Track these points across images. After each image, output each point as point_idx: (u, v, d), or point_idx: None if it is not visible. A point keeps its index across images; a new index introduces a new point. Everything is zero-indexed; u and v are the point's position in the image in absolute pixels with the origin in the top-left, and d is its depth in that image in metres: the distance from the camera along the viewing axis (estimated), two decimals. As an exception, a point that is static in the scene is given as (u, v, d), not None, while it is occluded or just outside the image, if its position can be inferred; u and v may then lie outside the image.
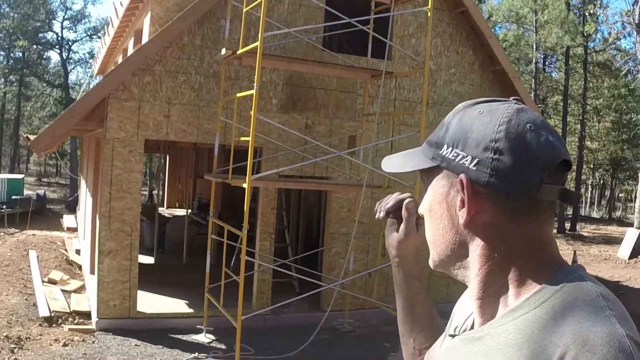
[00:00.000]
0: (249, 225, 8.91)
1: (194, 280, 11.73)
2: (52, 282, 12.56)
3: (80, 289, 12.56)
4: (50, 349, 9.10)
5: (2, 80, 47.69)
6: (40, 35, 46.64)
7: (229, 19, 10.03)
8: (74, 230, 21.32)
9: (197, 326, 10.28)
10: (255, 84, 8.50)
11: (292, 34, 10.27)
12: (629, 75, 37.41)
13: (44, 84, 48.82)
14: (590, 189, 54.80)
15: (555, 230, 30.01)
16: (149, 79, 10.36)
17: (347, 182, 11.14)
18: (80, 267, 14.94)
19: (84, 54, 65.34)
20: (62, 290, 12.06)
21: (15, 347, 8.89)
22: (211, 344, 9.94)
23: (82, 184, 19.71)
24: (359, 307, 11.53)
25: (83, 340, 9.61)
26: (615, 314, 1.12)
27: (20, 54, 46.12)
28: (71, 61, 49.49)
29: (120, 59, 17.50)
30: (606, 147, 39.93)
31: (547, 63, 41.59)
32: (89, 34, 48.38)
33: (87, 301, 11.51)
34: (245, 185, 8.62)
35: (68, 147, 41.79)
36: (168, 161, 23.77)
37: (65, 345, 9.31)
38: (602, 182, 54.45)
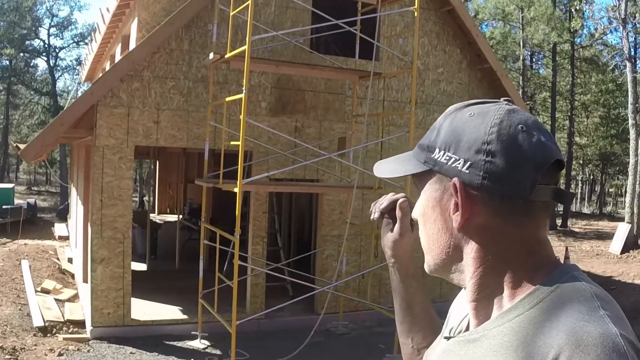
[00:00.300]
0: (241, 229, 8.90)
1: (187, 286, 11.71)
2: (46, 291, 12.51)
3: (74, 298, 12.52)
4: (46, 359, 9.07)
5: (-11, 89, 47.57)
6: (27, 42, 46.46)
7: (216, 23, 10.02)
8: (66, 238, 21.24)
9: (192, 332, 10.28)
10: (244, 88, 8.50)
11: (279, 37, 10.26)
12: (616, 70, 37.56)
13: (32, 92, 48.63)
14: (580, 184, 55.01)
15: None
16: (137, 85, 10.34)
17: (337, 184, 11.15)
18: (73, 276, 14.89)
19: (71, 60, 65.22)
20: (56, 300, 12.01)
21: (10, 358, 8.86)
22: (206, 350, 9.93)
23: (73, 192, 19.65)
24: (353, 309, 11.54)
25: (78, 349, 9.58)
26: (609, 313, 1.12)
27: (7, 62, 45.90)
28: (58, 68, 49.36)
29: (108, 65, 17.47)
30: (595, 143, 40.08)
31: (534, 60, 41.73)
32: (76, 40, 48.27)
33: (81, 310, 11.47)
34: (236, 190, 8.61)
35: (57, 154, 41.61)
36: (158, 167, 23.70)
37: (60, 354, 9.28)
38: (592, 177, 54.64)
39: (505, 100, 1.30)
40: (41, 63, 60.21)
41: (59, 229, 23.54)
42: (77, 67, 45.97)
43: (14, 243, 19.52)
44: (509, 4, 34.30)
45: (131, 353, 9.55)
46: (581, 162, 44.93)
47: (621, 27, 26.60)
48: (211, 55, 9.54)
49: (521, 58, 35.89)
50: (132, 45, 11.26)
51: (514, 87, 14.48)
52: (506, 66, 35.74)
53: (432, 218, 1.32)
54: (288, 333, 10.56)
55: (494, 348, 1.18)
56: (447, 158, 1.26)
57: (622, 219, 27.85)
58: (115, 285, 10.32)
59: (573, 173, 42.67)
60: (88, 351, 9.57)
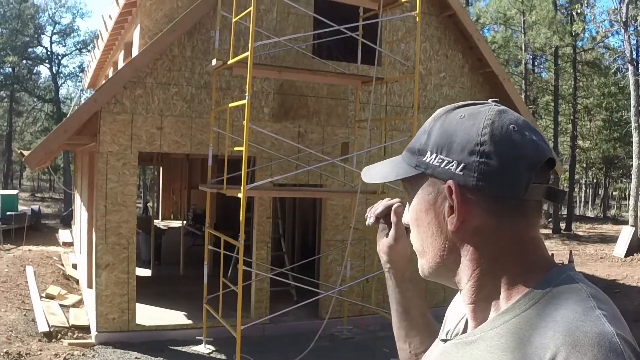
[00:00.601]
0: (245, 234, 8.93)
1: (192, 292, 11.74)
2: (50, 297, 12.55)
3: (79, 304, 12.56)
4: (50, 365, 9.12)
5: (-7, 96, 47.68)
6: (30, 50, 46.61)
7: (218, 30, 10.08)
8: (70, 244, 21.28)
9: (197, 337, 10.29)
10: (247, 94, 8.53)
11: (281, 43, 10.31)
12: (618, 74, 37.51)
13: (35, 99, 48.72)
14: (584, 188, 54.94)
15: (550, 231, 30.08)
16: (140, 92, 10.38)
17: (341, 189, 11.17)
18: (77, 282, 14.92)
19: (74, 67, 65.55)
20: (60, 305, 12.06)
21: (15, 364, 8.90)
22: (211, 355, 9.95)
23: (77, 198, 19.70)
24: (358, 314, 11.56)
25: (83, 355, 9.61)
26: (605, 313, 1.12)
27: (10, 70, 46.02)
28: (61, 75, 49.51)
29: (110, 72, 17.51)
30: (598, 146, 40.01)
31: (536, 64, 41.66)
32: (79, 47, 48.42)
33: (86, 315, 11.50)
34: (240, 195, 8.65)
35: (61, 161, 41.72)
36: (162, 173, 23.76)
37: (65, 359, 9.32)
38: (595, 181, 54.55)
39: (493, 101, 1.30)
40: (44, 70, 60.72)
41: (63, 235, 23.60)
42: (80, 74, 46.18)
43: (19, 249, 19.57)
44: (510, 8, 34.31)
45: (136, 358, 9.58)
46: (584, 165, 44.86)
47: (622, 30, 26.63)
48: (214, 62, 9.59)
49: (523, 62, 35.85)
50: (135, 52, 11.30)
51: (516, 91, 14.49)
52: (508, 70, 35.74)
53: (426, 222, 1.31)
54: (292, 337, 10.58)
55: (490, 350, 1.18)
56: (440, 161, 1.25)
57: (626, 222, 27.79)
58: (119, 290, 10.35)
59: (576, 177, 42.61)
60: (93, 356, 9.60)
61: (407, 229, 1.53)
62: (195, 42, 10.72)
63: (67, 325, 10.87)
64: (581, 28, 31.46)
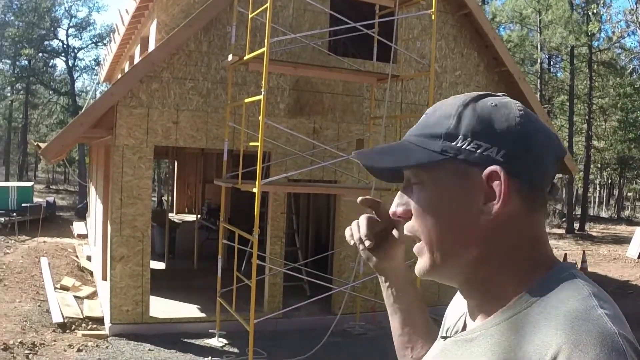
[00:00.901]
0: (259, 229, 8.97)
1: (205, 285, 11.81)
2: (64, 288, 12.65)
3: (93, 295, 12.65)
4: (65, 355, 9.19)
5: (9, 88, 47.83)
6: (46, 43, 46.73)
7: (234, 25, 10.12)
8: (84, 237, 21.41)
9: (210, 330, 10.34)
10: (262, 90, 8.58)
11: (297, 39, 10.34)
12: (634, 74, 37.33)
13: (51, 92, 48.86)
14: (598, 188, 54.66)
15: (564, 231, 30.01)
16: (156, 86, 10.45)
17: (355, 185, 11.19)
18: (91, 274, 15.03)
19: (89, 61, 65.85)
20: (75, 297, 12.15)
21: (30, 353, 8.99)
22: (224, 348, 10.00)
23: (92, 191, 19.80)
24: (370, 310, 11.58)
25: (97, 346, 9.69)
26: (607, 312, 1.10)
27: (26, 62, 46.27)
28: (77, 68, 49.58)
29: (127, 66, 17.60)
30: (613, 147, 39.75)
31: (551, 63, 41.57)
32: (95, 41, 48.49)
33: (100, 307, 11.59)
34: (255, 190, 8.69)
35: (76, 154, 41.88)
36: (176, 167, 23.85)
37: (79, 350, 9.39)
38: (610, 181, 54.27)
39: (502, 95, 1.28)
40: (60, 63, 60.97)
41: (77, 227, 23.73)
42: (96, 68, 46.36)
43: (33, 240, 19.70)
44: (526, 7, 34.22)
45: (149, 350, 9.65)
46: (599, 165, 44.64)
47: (639, 31, 26.53)
48: (230, 57, 9.64)
49: (539, 61, 35.76)
50: (151, 46, 11.36)
51: (531, 90, 14.47)
52: (523, 69, 35.61)
53: (448, 211, 1.23)
54: (305, 332, 10.62)
55: (491, 347, 1.17)
56: (476, 146, 1.20)
57: (639, 224, 27.69)
58: (134, 283, 10.43)
59: (591, 177, 42.40)
60: (107, 347, 9.68)
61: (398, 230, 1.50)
62: (211, 37, 10.77)
63: (81, 317, 10.97)
64: (597, 28, 31.35)
